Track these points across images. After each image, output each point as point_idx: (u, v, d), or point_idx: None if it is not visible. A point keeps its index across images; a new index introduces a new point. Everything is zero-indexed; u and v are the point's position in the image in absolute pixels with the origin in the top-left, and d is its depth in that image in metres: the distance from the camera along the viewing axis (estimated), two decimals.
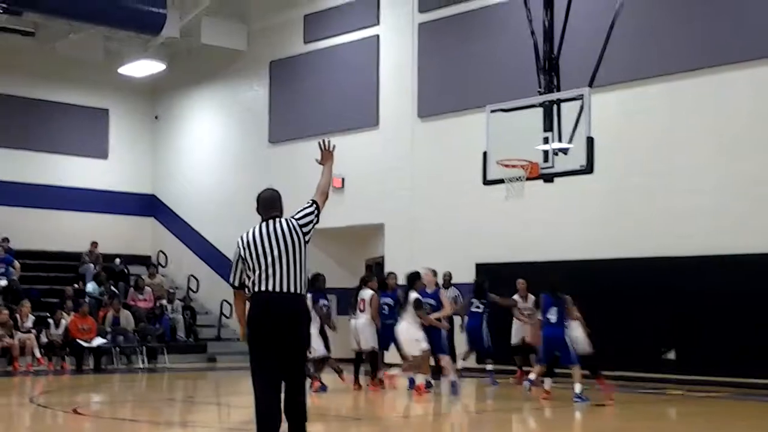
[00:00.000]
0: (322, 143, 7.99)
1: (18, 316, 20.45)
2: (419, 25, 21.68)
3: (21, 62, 26.23)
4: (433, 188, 21.06)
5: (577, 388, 13.61)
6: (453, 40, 20.97)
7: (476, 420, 13.34)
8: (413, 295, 14.71)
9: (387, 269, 19.30)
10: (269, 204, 7.71)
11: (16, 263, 23.30)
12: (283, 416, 7.45)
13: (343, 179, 22.41)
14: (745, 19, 16.73)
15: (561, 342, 13.73)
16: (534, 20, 15.15)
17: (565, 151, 14.15)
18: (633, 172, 17.73)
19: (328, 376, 16.15)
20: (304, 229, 7.53)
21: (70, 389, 17.26)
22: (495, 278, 18.13)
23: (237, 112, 26.49)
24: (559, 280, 14.28)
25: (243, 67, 26.09)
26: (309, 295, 12.27)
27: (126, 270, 25.58)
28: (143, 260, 27.25)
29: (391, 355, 16.56)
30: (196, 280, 26.45)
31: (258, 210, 7.73)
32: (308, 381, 12.26)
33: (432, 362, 15.39)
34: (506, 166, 14.53)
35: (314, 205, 7.69)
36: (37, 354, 20.18)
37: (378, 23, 22.69)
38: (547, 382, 14.08)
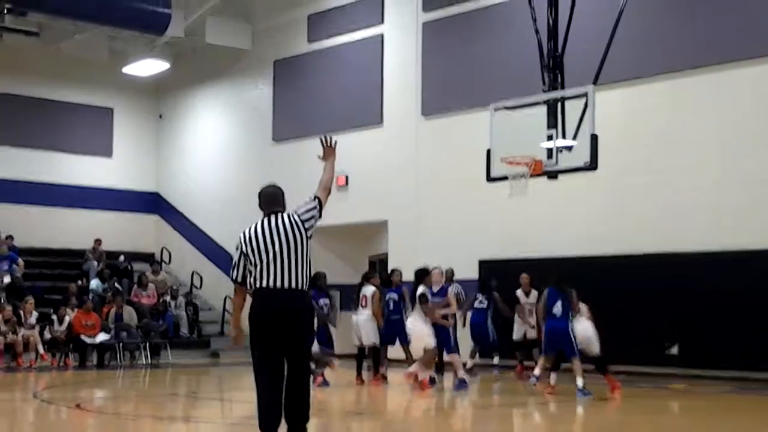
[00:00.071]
0: (323, 139, 8.01)
1: (22, 312, 20.48)
2: (423, 24, 21.70)
3: (26, 62, 26.30)
4: (436, 186, 21.08)
5: (579, 382, 13.62)
6: (457, 38, 20.99)
7: (479, 415, 13.34)
8: (420, 289, 14.72)
9: (391, 266, 19.32)
10: (271, 200, 7.73)
11: (20, 260, 23.34)
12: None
13: (347, 177, 22.46)
14: (748, 17, 16.73)
15: (564, 335, 13.73)
16: (538, 19, 15.18)
17: (569, 148, 14.19)
18: (637, 170, 17.74)
19: (330, 371, 16.18)
20: (306, 225, 7.54)
21: (74, 385, 17.29)
22: (498, 275, 18.17)
23: (241, 110, 26.52)
24: (565, 274, 14.30)
25: (247, 67, 26.13)
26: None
27: (129, 267, 25.64)
28: (147, 257, 27.31)
29: (395, 352, 16.57)
30: (200, 276, 26.51)
31: (260, 206, 7.75)
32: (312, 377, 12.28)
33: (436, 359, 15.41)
34: (510, 163, 14.57)
35: (316, 201, 7.70)
36: (41, 350, 20.21)
37: (382, 22, 22.72)
38: (553, 377, 14.09)
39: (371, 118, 22.64)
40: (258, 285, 7.44)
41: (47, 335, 20.54)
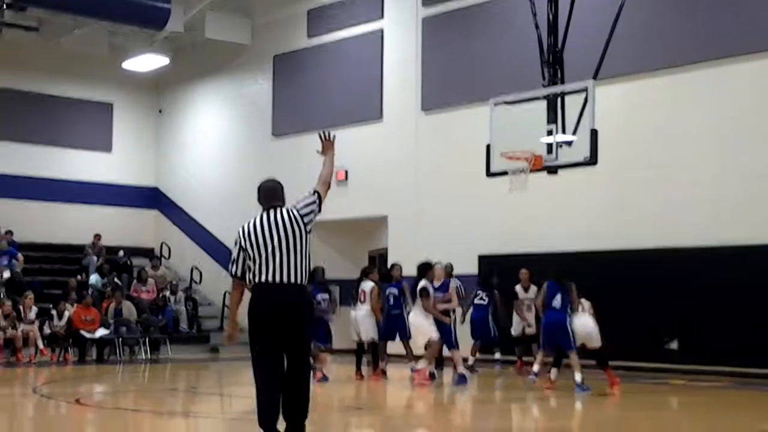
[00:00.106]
0: (322, 134, 7.99)
1: (21, 307, 20.48)
2: (423, 19, 21.68)
3: (26, 57, 26.26)
4: (436, 181, 21.07)
5: (578, 377, 13.63)
6: (457, 33, 20.96)
7: (478, 410, 13.35)
8: (422, 283, 14.71)
9: (390, 261, 19.32)
10: (270, 194, 7.71)
11: (20, 255, 23.33)
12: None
13: (346, 172, 22.45)
14: (748, 12, 16.72)
15: (562, 328, 13.74)
16: (538, 13, 15.16)
17: (569, 143, 14.16)
18: (636, 164, 17.73)
19: (330, 366, 16.20)
20: (305, 219, 7.52)
21: (73, 380, 17.29)
22: (498, 270, 18.18)
23: (241, 105, 26.50)
24: (565, 268, 14.31)
25: (247, 61, 26.12)
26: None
27: (129, 262, 25.65)
28: (146, 252, 27.33)
29: (395, 347, 16.57)
30: (199, 271, 26.50)
31: (259, 200, 7.73)
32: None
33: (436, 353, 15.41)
34: (510, 158, 14.54)
35: (316, 195, 7.68)
36: (40, 345, 20.22)
37: (382, 17, 22.70)
38: (554, 373, 14.09)
39: (371, 113, 22.62)
40: (257, 280, 7.43)
41: (47, 330, 20.55)
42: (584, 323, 13.96)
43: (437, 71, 21.29)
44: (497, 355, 17.63)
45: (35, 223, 25.89)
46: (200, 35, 25.40)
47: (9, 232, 24.14)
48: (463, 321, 17.59)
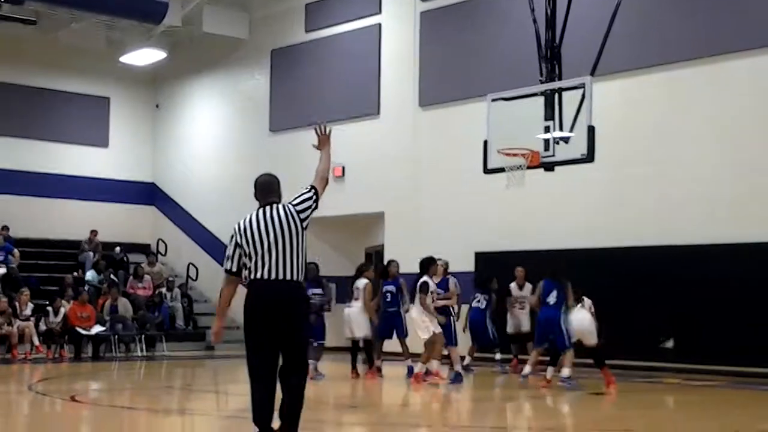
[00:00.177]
0: (318, 128, 7.92)
1: (17, 303, 20.44)
2: (421, 13, 21.61)
3: (23, 51, 26.18)
4: (433, 177, 21.02)
5: (565, 372, 13.62)
6: (455, 28, 20.91)
7: (474, 408, 13.33)
8: (423, 278, 14.66)
9: (387, 257, 19.27)
10: (267, 189, 7.65)
11: (16, 251, 23.27)
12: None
13: (343, 167, 22.39)
14: (746, 8, 16.68)
15: (556, 324, 13.71)
16: (536, 9, 15.11)
17: (566, 139, 14.13)
18: (634, 161, 17.69)
19: (325, 364, 16.18)
20: (302, 215, 7.47)
21: (69, 377, 17.26)
22: (495, 267, 18.15)
23: (238, 100, 26.45)
24: (561, 266, 14.28)
25: (244, 56, 26.05)
26: None
27: (126, 258, 25.59)
28: (143, 248, 27.29)
29: (392, 345, 16.53)
30: (196, 268, 26.45)
31: (256, 195, 7.68)
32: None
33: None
34: (507, 154, 14.52)
35: (313, 191, 7.62)
36: (36, 342, 20.16)
37: (380, 12, 22.64)
38: (549, 371, 14.06)
39: (368, 109, 22.57)
40: (252, 276, 7.38)
41: (42, 327, 20.49)
42: (581, 318, 13.93)
43: (435, 66, 21.24)
44: (498, 356, 17.58)
45: (31, 218, 25.82)
46: (198, 29, 25.33)
47: (5, 228, 24.08)
48: (464, 328, 17.49)
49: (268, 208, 7.50)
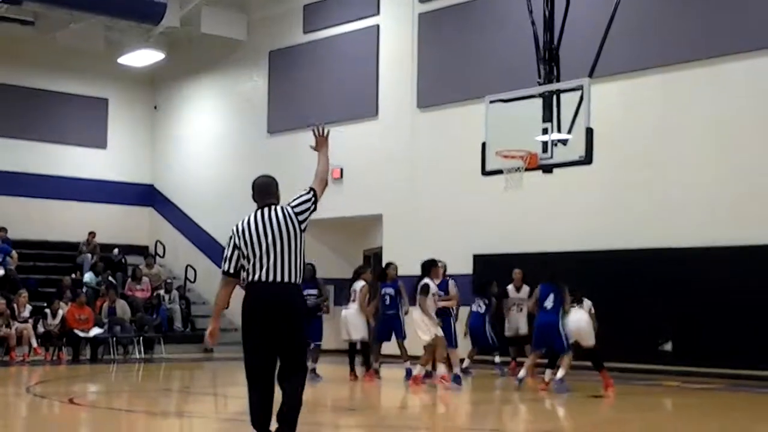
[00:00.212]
0: (316, 129, 7.90)
1: (15, 305, 20.42)
2: (419, 15, 21.61)
3: (21, 52, 26.17)
4: (431, 179, 21.01)
5: (560, 373, 13.60)
6: (453, 30, 20.90)
7: (472, 411, 13.32)
8: (424, 280, 14.65)
9: (385, 260, 19.25)
10: (265, 190, 7.63)
11: (14, 253, 23.25)
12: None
13: (342, 169, 22.37)
14: (744, 10, 16.67)
15: (554, 329, 13.70)
16: (534, 11, 15.11)
17: (564, 141, 14.12)
18: (632, 163, 17.68)
19: (323, 366, 16.17)
20: (300, 217, 7.45)
21: (67, 379, 17.24)
22: (493, 269, 18.14)
23: (236, 102, 26.44)
24: (558, 270, 14.27)
25: (242, 57, 26.04)
26: None
27: (124, 260, 25.57)
28: (141, 250, 27.27)
29: (391, 347, 16.51)
30: (194, 270, 26.43)
31: (254, 197, 7.66)
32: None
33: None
34: (505, 156, 14.51)
35: (312, 193, 7.59)
36: (34, 344, 20.14)
37: (378, 13, 22.63)
38: (548, 374, 14.05)
39: (367, 110, 22.56)
40: (251, 278, 7.37)
41: (41, 329, 20.48)
42: (578, 319, 13.92)
43: (433, 68, 21.23)
44: (497, 359, 17.57)
45: (29, 220, 25.80)
46: (196, 30, 25.32)
47: (3, 229, 24.04)
48: (465, 333, 17.48)
49: (266, 209, 7.48)
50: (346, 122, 22.10)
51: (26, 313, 20.41)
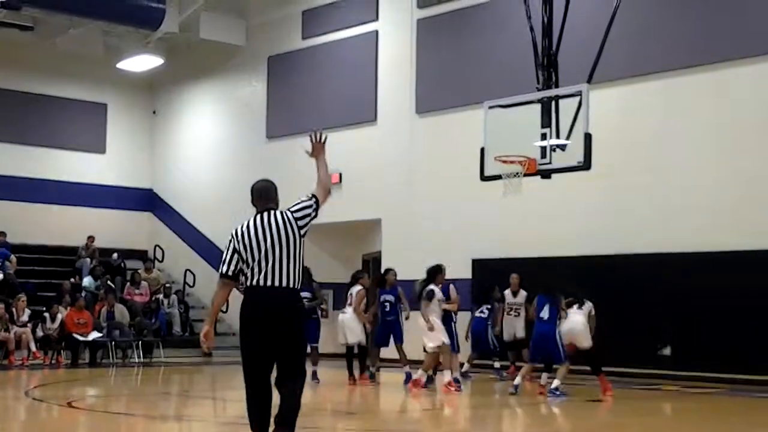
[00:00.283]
0: (313, 135, 7.87)
1: (14, 309, 20.43)
2: (418, 21, 21.64)
3: (20, 57, 26.20)
4: (430, 184, 21.03)
5: (556, 383, 13.62)
6: (452, 36, 20.94)
7: (470, 415, 13.33)
8: (430, 286, 14.66)
9: (384, 264, 19.28)
10: (264, 195, 7.62)
11: (13, 257, 23.26)
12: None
13: (340, 174, 22.35)
14: (743, 16, 16.70)
15: (551, 339, 13.70)
16: (533, 16, 15.14)
17: (563, 147, 14.16)
18: (631, 169, 17.70)
19: (322, 370, 16.17)
20: (300, 223, 7.43)
21: (66, 383, 17.26)
22: (492, 274, 18.15)
23: (235, 107, 26.47)
24: (553, 281, 14.30)
25: (241, 63, 26.07)
26: None
27: (123, 264, 25.59)
28: (140, 255, 27.27)
29: (391, 352, 16.53)
30: (193, 274, 26.44)
31: (253, 202, 7.65)
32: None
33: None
34: (504, 162, 14.54)
35: (314, 200, 7.56)
36: (33, 348, 20.15)
37: (377, 19, 22.67)
38: (544, 377, 14.06)
39: (365, 116, 22.58)
40: (249, 283, 7.37)
41: (39, 333, 20.49)
42: (574, 321, 13.93)
43: (432, 74, 21.26)
44: (497, 364, 17.59)
45: (28, 224, 25.79)
46: (195, 36, 25.35)
47: (2, 234, 24.06)
48: (466, 337, 17.51)
49: (265, 214, 7.48)
50: (344, 127, 22.13)
51: (25, 318, 20.43)
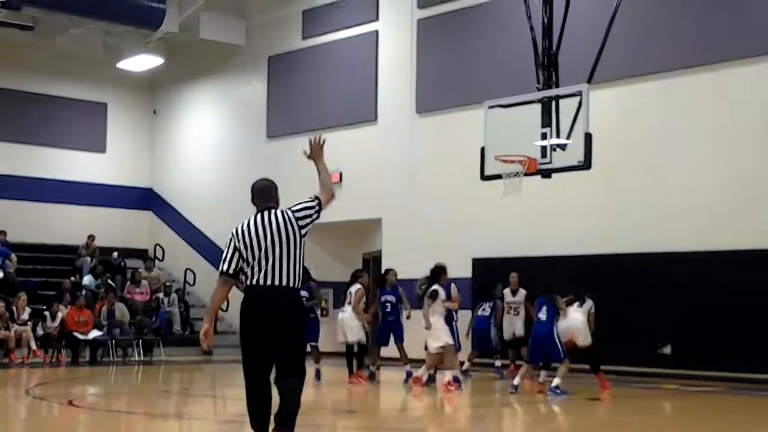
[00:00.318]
0: (312, 138, 7.86)
1: (14, 308, 20.46)
2: (418, 21, 21.67)
3: (20, 57, 26.24)
4: (430, 183, 21.05)
5: (556, 381, 13.62)
6: (452, 36, 20.96)
7: (470, 413, 13.34)
8: (434, 287, 14.69)
9: (384, 264, 19.29)
10: (264, 194, 7.62)
11: (13, 256, 23.28)
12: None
13: (341, 174, 22.38)
14: (743, 16, 16.73)
15: (549, 339, 13.70)
16: (533, 16, 15.16)
17: (563, 147, 14.17)
18: (631, 169, 17.73)
19: (322, 368, 16.18)
20: (301, 223, 7.44)
21: (66, 381, 17.25)
22: (492, 273, 18.17)
23: (235, 107, 26.49)
24: (552, 283, 14.35)
25: (241, 62, 26.09)
26: None
27: (123, 263, 25.61)
28: (140, 254, 27.32)
29: (391, 350, 16.54)
30: (193, 273, 26.47)
31: (253, 201, 7.66)
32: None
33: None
34: (504, 161, 14.56)
35: (316, 201, 7.55)
36: (33, 346, 20.18)
37: (377, 19, 22.70)
38: (542, 375, 14.08)
39: (366, 115, 22.61)
40: (249, 282, 7.37)
41: (40, 331, 20.52)
42: (573, 319, 13.94)
43: (432, 73, 21.28)
44: (497, 363, 17.61)
45: (28, 223, 25.84)
46: (195, 36, 25.38)
47: (2, 233, 24.08)
48: (467, 334, 17.53)
49: (266, 213, 7.49)
50: (345, 128, 22.16)
51: (25, 316, 20.47)
